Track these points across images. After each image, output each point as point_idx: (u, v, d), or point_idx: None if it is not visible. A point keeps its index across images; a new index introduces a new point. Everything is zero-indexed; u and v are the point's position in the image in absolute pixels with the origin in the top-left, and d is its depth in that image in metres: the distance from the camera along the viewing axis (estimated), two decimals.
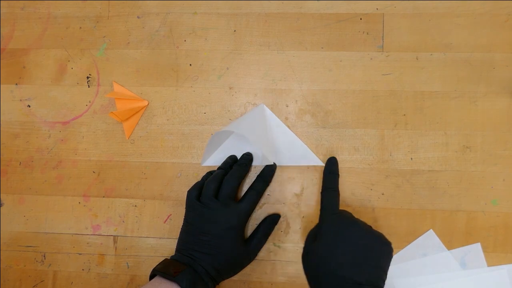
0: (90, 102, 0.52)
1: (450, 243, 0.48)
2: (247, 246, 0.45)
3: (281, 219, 0.49)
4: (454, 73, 0.49)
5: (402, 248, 0.48)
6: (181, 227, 0.46)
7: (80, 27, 0.53)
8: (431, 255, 0.47)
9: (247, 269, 0.49)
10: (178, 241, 0.45)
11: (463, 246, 0.47)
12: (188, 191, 0.46)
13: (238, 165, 0.47)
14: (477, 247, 0.47)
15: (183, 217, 0.46)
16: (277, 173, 0.49)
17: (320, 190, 0.46)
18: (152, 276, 0.43)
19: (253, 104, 0.50)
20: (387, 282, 0.47)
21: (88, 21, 0.53)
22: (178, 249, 0.44)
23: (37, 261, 0.52)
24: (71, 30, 0.53)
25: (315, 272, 0.40)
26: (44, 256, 0.52)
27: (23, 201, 0.52)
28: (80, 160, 0.52)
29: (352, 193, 0.49)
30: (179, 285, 0.40)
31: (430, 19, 0.49)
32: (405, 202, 0.48)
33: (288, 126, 0.50)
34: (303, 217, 0.49)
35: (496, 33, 0.48)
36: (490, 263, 0.47)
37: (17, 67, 0.53)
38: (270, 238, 0.49)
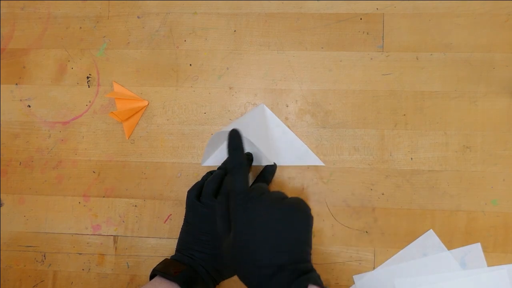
0: (90, 102, 0.52)
1: (450, 243, 0.48)
2: None
3: None
4: (454, 73, 0.49)
5: (402, 248, 0.48)
6: (181, 227, 0.46)
7: (80, 27, 0.53)
8: (431, 255, 0.47)
9: None
10: (178, 241, 0.45)
11: (463, 246, 0.47)
12: (188, 191, 0.46)
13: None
14: (477, 247, 0.47)
15: (183, 217, 0.46)
16: (277, 173, 0.49)
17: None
18: (152, 276, 0.43)
19: (253, 104, 0.50)
20: (387, 282, 0.47)
21: (88, 21, 0.53)
22: (178, 249, 0.44)
23: (37, 261, 0.52)
24: (71, 30, 0.53)
25: (236, 265, 0.36)
26: (44, 256, 0.52)
27: (23, 201, 0.52)
28: (80, 160, 0.52)
29: (352, 193, 0.49)
30: (179, 285, 0.39)
31: (430, 19, 0.49)
32: (405, 202, 0.48)
33: (288, 126, 0.50)
34: None
35: (496, 33, 0.48)
36: (490, 263, 0.47)
37: (17, 67, 0.53)
38: None
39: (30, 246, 0.52)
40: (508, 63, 0.48)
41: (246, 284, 0.36)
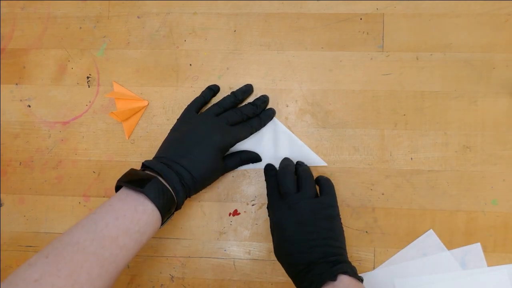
0: (90, 102, 0.52)
1: (450, 243, 0.48)
2: (224, 163, 0.46)
3: None
4: (454, 73, 0.49)
5: (402, 248, 0.48)
6: (165, 139, 0.46)
7: (80, 27, 0.53)
8: (431, 255, 0.47)
9: (247, 269, 0.49)
10: (159, 149, 0.45)
11: (463, 246, 0.47)
12: (189, 105, 0.48)
13: (249, 103, 0.48)
14: (477, 247, 0.47)
15: (170, 129, 0.47)
16: None
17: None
18: (118, 188, 0.41)
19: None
20: (387, 282, 0.47)
21: (88, 21, 0.53)
22: (156, 156, 0.44)
23: None
24: (71, 30, 0.53)
25: (282, 264, 0.42)
26: None
27: (23, 201, 0.52)
28: (80, 160, 0.52)
29: (352, 193, 0.49)
30: (147, 196, 0.38)
31: (430, 19, 0.49)
32: (405, 202, 0.48)
33: (288, 126, 0.50)
34: None
35: (496, 33, 0.48)
36: (490, 263, 0.47)
37: (17, 67, 0.53)
38: (270, 238, 0.49)
39: (30, 246, 0.52)
40: (508, 63, 0.48)
41: (289, 275, 0.42)
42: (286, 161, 0.46)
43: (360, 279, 0.39)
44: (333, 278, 0.37)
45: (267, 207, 0.45)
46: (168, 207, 0.40)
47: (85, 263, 0.34)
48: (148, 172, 0.41)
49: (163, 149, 0.45)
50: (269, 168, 0.47)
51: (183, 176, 0.41)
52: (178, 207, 0.42)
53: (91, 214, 0.38)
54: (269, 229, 0.45)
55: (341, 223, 0.43)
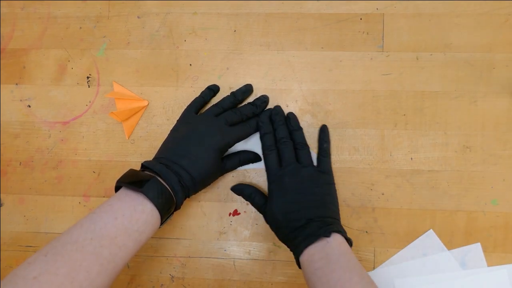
0: (90, 102, 0.52)
1: (450, 243, 0.48)
2: (223, 164, 0.47)
3: None
4: (454, 73, 0.49)
5: (402, 248, 0.48)
6: (166, 138, 0.46)
7: (80, 27, 0.53)
8: (431, 255, 0.47)
9: (247, 269, 0.49)
10: (158, 150, 0.46)
11: (463, 246, 0.47)
12: (189, 105, 0.48)
13: (249, 103, 0.48)
14: (477, 247, 0.47)
15: (170, 130, 0.47)
16: None
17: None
18: (117, 188, 0.41)
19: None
20: (387, 282, 0.47)
21: (88, 21, 0.53)
22: (156, 157, 0.44)
23: None
24: (71, 30, 0.53)
25: (276, 228, 0.44)
26: None
27: (23, 201, 0.52)
28: (80, 160, 0.52)
29: (352, 193, 0.49)
30: (146, 196, 0.38)
31: (430, 19, 0.49)
32: (405, 202, 0.48)
33: None
34: None
35: (496, 33, 0.48)
36: (490, 263, 0.47)
37: (17, 67, 0.53)
38: (270, 237, 0.49)
39: (30, 246, 0.52)
40: (508, 63, 0.48)
41: (281, 236, 0.44)
42: (279, 122, 0.47)
43: (350, 242, 0.41)
44: (327, 234, 0.39)
45: (267, 177, 0.46)
46: (167, 206, 0.40)
47: (84, 262, 0.34)
48: (147, 173, 0.41)
49: (162, 150, 0.45)
50: (268, 147, 0.46)
51: (182, 176, 0.41)
52: (177, 207, 0.42)
53: (90, 214, 0.38)
54: (265, 215, 0.46)
55: (336, 191, 0.46)
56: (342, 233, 0.41)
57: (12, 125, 0.53)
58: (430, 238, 0.48)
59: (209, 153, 0.44)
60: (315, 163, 0.48)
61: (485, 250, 0.47)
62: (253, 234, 0.50)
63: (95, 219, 0.37)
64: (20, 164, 0.53)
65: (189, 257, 0.50)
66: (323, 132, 0.48)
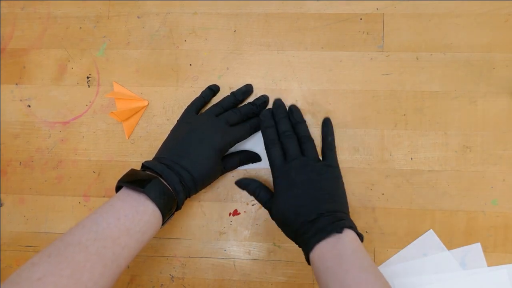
0: (90, 102, 0.52)
1: (450, 243, 0.48)
2: (223, 164, 0.47)
3: None
4: (454, 73, 0.49)
5: (402, 248, 0.48)
6: (165, 139, 0.46)
7: (80, 27, 0.53)
8: (431, 255, 0.47)
9: (247, 269, 0.49)
10: (159, 150, 0.45)
11: (463, 246, 0.47)
12: (189, 106, 0.48)
13: (249, 103, 0.48)
14: (477, 247, 0.47)
15: (170, 130, 0.47)
16: None
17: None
18: (118, 188, 0.41)
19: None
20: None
21: (88, 21, 0.53)
22: (156, 157, 0.44)
23: None
24: (71, 30, 0.53)
25: (283, 223, 0.43)
26: None
27: (23, 201, 0.52)
28: (80, 160, 0.52)
29: (352, 193, 0.49)
30: (148, 196, 0.38)
31: (430, 19, 0.49)
32: (405, 202, 0.48)
33: None
34: None
35: (496, 33, 0.48)
36: (490, 263, 0.47)
37: (17, 67, 0.53)
38: (270, 237, 0.49)
39: (30, 246, 0.52)
40: (508, 63, 0.48)
41: (289, 232, 0.42)
42: (281, 115, 0.46)
43: (362, 238, 0.40)
44: (339, 230, 0.38)
45: (272, 172, 0.45)
46: (169, 207, 0.40)
47: (88, 263, 0.34)
48: (149, 173, 0.41)
49: (163, 150, 0.45)
50: (270, 141, 0.45)
51: (183, 176, 0.41)
52: (178, 207, 0.42)
53: (92, 214, 0.38)
54: (270, 208, 0.45)
55: (344, 184, 0.45)
56: (354, 228, 0.39)
57: (12, 125, 0.53)
58: (430, 238, 0.48)
59: (209, 153, 0.43)
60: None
61: (485, 250, 0.47)
62: (253, 234, 0.50)
63: (97, 219, 0.37)
64: (20, 164, 0.53)
65: (189, 257, 0.50)
66: (327, 126, 0.48)
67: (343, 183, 0.45)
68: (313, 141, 0.46)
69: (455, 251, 0.47)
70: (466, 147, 0.48)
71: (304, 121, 0.47)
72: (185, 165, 0.42)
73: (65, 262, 0.33)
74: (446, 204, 0.48)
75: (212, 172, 0.45)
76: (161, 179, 0.40)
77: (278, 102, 0.48)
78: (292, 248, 0.49)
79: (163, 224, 0.41)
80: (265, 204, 0.45)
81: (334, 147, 0.47)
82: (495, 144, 0.48)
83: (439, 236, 0.48)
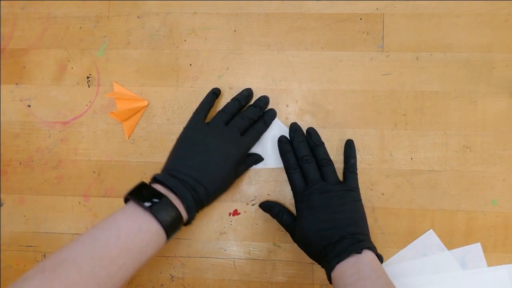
0: (90, 102, 0.52)
1: (450, 243, 0.48)
2: (235, 173, 0.47)
3: None
4: (454, 73, 0.49)
5: (402, 248, 0.48)
6: (175, 148, 0.45)
7: (80, 27, 0.53)
8: (431, 255, 0.47)
9: (247, 269, 0.49)
10: (169, 159, 0.44)
11: (463, 246, 0.47)
12: (196, 113, 0.47)
13: (252, 106, 0.48)
14: (477, 247, 0.47)
15: (178, 138, 0.46)
16: (277, 173, 0.49)
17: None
18: (126, 200, 0.40)
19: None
20: None
21: (88, 21, 0.53)
22: (167, 168, 0.43)
23: (37, 261, 0.52)
24: (71, 30, 0.53)
25: (306, 246, 0.44)
26: (44, 256, 0.52)
27: (23, 201, 0.52)
28: (80, 160, 0.52)
29: None
30: (155, 216, 0.37)
31: (430, 19, 0.49)
32: (405, 202, 0.48)
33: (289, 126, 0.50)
34: None
35: (496, 33, 0.48)
36: (490, 263, 0.47)
37: (17, 67, 0.53)
38: (270, 237, 0.49)
39: (30, 246, 0.52)
40: (508, 63, 0.48)
41: (312, 253, 0.44)
42: (298, 139, 0.47)
43: (381, 259, 0.41)
44: (359, 251, 0.40)
45: (294, 196, 0.46)
46: (175, 225, 0.39)
47: (81, 282, 0.33)
48: (159, 189, 0.40)
49: (173, 160, 0.44)
50: (290, 166, 0.46)
51: (198, 191, 0.41)
52: (188, 222, 0.42)
53: (94, 228, 0.37)
54: (285, 226, 0.46)
55: (363, 207, 0.46)
56: (373, 249, 0.41)
57: (12, 125, 0.53)
58: (430, 238, 0.48)
59: (227, 167, 0.44)
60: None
61: (485, 250, 0.47)
62: (253, 234, 0.50)
63: (97, 235, 0.36)
64: (20, 164, 0.53)
65: (189, 257, 0.50)
66: (350, 147, 0.48)
67: (362, 206, 0.46)
68: (332, 164, 0.46)
69: (455, 251, 0.47)
70: (466, 147, 0.48)
71: (322, 143, 0.47)
72: (200, 179, 0.42)
73: (58, 280, 0.33)
74: (446, 204, 0.48)
75: (228, 186, 0.46)
76: (172, 194, 0.40)
77: (295, 126, 0.48)
78: (292, 248, 0.49)
79: (167, 240, 0.40)
80: (287, 227, 0.46)
81: (356, 169, 0.47)
82: (495, 144, 0.48)
83: (439, 236, 0.48)
